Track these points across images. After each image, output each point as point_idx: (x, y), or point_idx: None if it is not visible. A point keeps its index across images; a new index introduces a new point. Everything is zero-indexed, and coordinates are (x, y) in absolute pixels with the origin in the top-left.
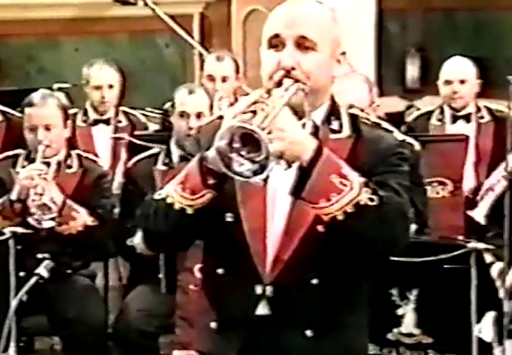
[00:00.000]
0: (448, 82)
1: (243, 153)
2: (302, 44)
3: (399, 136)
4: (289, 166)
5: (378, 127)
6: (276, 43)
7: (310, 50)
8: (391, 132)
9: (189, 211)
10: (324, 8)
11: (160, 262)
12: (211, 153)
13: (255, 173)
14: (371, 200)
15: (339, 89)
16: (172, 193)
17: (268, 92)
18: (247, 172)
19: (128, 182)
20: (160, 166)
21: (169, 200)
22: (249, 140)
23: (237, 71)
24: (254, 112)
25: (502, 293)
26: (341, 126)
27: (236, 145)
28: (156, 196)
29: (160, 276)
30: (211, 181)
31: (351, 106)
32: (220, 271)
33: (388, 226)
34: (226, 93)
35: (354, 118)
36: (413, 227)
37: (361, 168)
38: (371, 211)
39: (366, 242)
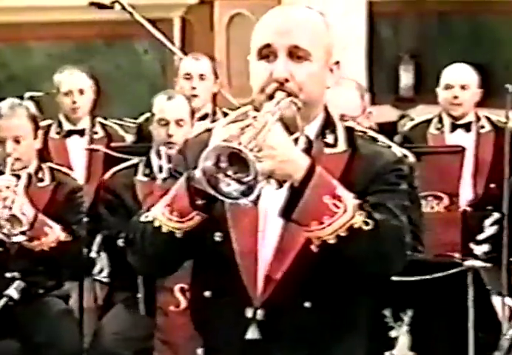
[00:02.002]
0: (448, 87)
1: (229, 173)
2: (295, 53)
3: (397, 152)
4: (280, 185)
5: (375, 142)
6: (267, 53)
7: (303, 60)
8: (389, 147)
9: (178, 234)
10: (316, 14)
11: (139, 281)
12: (198, 173)
13: (243, 194)
14: (366, 223)
15: (329, 95)
16: (160, 216)
17: (259, 105)
18: (235, 193)
19: (107, 194)
20: (140, 177)
21: (156, 223)
22: (237, 159)
23: (216, 75)
24: (243, 129)
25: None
26: (336, 139)
27: (223, 165)
28: (143, 218)
29: (139, 296)
30: (199, 202)
31: (342, 116)
32: (207, 293)
33: (383, 252)
34: (203, 93)
35: (349, 132)
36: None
37: (356, 186)
38: (365, 235)
39: (359, 266)
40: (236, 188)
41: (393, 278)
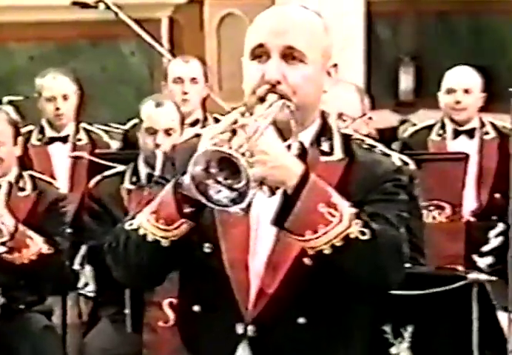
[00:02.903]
0: (450, 91)
1: (220, 179)
2: (290, 54)
3: (396, 160)
4: (272, 193)
5: (374, 150)
6: (260, 53)
7: (298, 62)
8: (389, 155)
9: (164, 243)
10: (314, 15)
11: (126, 296)
12: (186, 179)
13: (234, 201)
14: (363, 233)
15: (326, 99)
16: (145, 223)
17: (250, 108)
18: (225, 200)
19: (92, 202)
20: (127, 185)
21: (141, 232)
22: (227, 165)
23: (206, 78)
24: (234, 132)
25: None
26: (332, 147)
27: (212, 170)
28: (127, 226)
29: (126, 312)
30: (187, 210)
31: (340, 115)
32: (196, 308)
33: (380, 263)
34: (194, 98)
35: (346, 139)
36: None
37: (353, 196)
38: (361, 245)
39: (355, 278)
40: (227, 195)
41: (393, 292)
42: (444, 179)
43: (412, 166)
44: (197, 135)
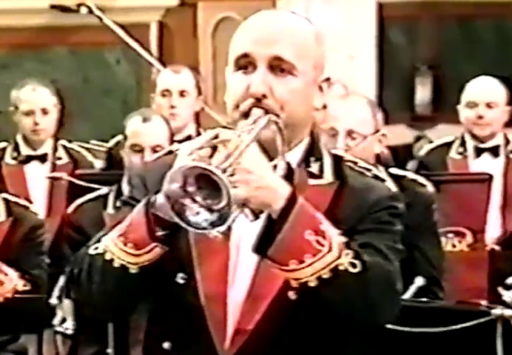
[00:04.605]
0: (472, 104)
1: (198, 199)
2: (277, 66)
3: (392, 186)
4: (256, 216)
5: (367, 174)
6: (245, 64)
7: (286, 74)
8: (383, 181)
9: (133, 269)
10: (304, 22)
11: (109, 334)
12: (159, 198)
13: (213, 224)
14: (353, 265)
15: (335, 113)
16: (112, 247)
17: (233, 124)
18: (204, 223)
19: (72, 230)
20: (111, 210)
21: (107, 256)
22: (207, 184)
23: (199, 89)
24: (215, 149)
25: None
26: (322, 169)
27: (190, 189)
28: (91, 250)
29: (109, 351)
30: (159, 233)
31: (349, 132)
32: (166, 345)
33: (371, 299)
34: (184, 112)
35: (337, 161)
36: (420, 281)
37: (343, 223)
38: (351, 279)
39: (343, 314)
40: (206, 217)
41: (409, 330)
42: (465, 203)
43: (430, 188)
44: (171, 152)
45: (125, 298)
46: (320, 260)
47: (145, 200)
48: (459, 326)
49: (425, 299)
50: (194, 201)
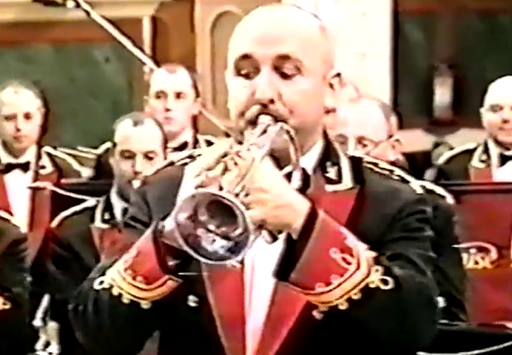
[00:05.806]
0: (496, 107)
1: (211, 228)
2: (283, 66)
3: (418, 188)
4: (274, 238)
5: (390, 176)
6: (246, 66)
7: (293, 74)
8: (407, 182)
9: (144, 304)
10: (309, 16)
11: None
12: (167, 224)
13: (231, 251)
14: (385, 282)
15: (344, 118)
16: (119, 282)
17: (239, 134)
18: (220, 250)
19: (56, 246)
20: (99, 224)
21: (114, 292)
22: (219, 209)
23: (197, 92)
24: (224, 167)
25: None
26: (340, 174)
27: (202, 218)
28: (96, 285)
29: None
30: (171, 262)
31: (360, 139)
32: None
33: (407, 317)
34: (180, 116)
35: (356, 164)
36: (440, 302)
37: (368, 234)
38: (384, 297)
39: (376, 336)
40: (222, 244)
41: (426, 354)
42: (489, 215)
43: (449, 199)
44: (172, 163)
45: (136, 335)
46: (349, 280)
47: (152, 227)
48: (482, 351)
49: (445, 322)
50: (208, 230)
